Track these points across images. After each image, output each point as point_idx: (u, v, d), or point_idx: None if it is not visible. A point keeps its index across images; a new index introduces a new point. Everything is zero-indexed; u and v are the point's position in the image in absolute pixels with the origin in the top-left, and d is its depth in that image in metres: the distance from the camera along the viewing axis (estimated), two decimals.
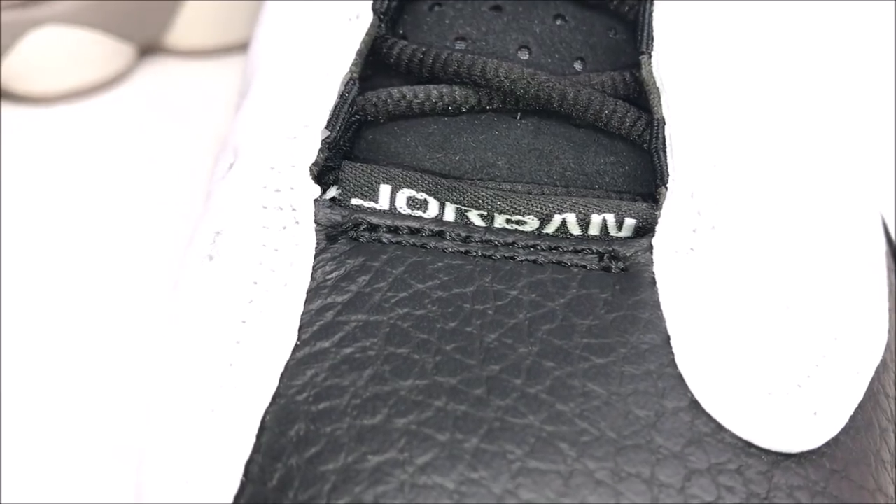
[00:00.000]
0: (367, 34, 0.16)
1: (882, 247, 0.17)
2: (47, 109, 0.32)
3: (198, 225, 0.15)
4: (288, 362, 0.13)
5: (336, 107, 0.15)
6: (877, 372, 0.14)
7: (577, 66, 0.17)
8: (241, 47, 0.35)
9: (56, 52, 0.30)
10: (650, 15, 0.16)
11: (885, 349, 0.15)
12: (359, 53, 0.16)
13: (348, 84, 0.15)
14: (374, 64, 0.16)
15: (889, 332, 0.16)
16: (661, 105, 0.15)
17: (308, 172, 0.14)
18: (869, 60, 0.33)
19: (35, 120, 0.32)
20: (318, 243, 0.14)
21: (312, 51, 0.16)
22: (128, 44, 0.32)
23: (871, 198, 0.18)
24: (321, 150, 0.14)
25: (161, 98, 0.33)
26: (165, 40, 0.33)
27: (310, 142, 0.14)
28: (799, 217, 0.15)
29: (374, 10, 0.16)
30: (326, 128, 0.15)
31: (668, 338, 0.13)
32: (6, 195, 0.29)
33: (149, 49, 0.33)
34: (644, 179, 0.15)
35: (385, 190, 0.15)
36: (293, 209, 0.14)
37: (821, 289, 0.14)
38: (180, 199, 0.30)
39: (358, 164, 0.15)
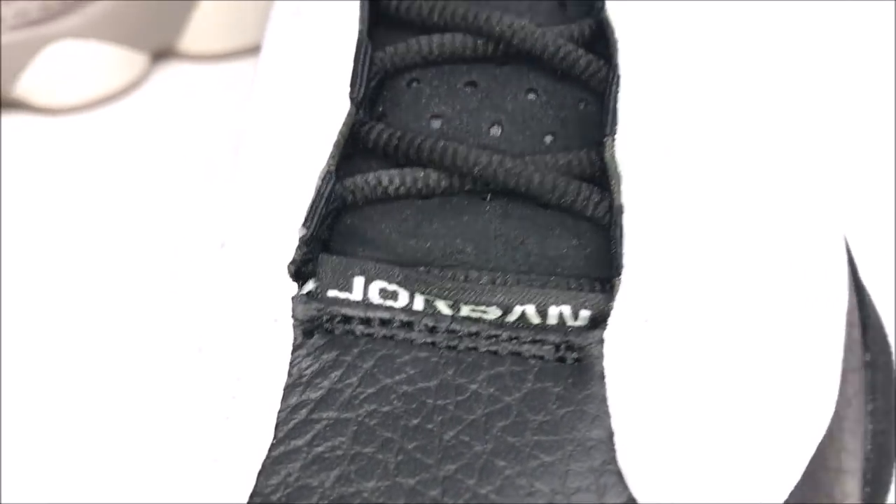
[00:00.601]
0: (344, 124, 0.17)
1: (844, 305, 0.18)
2: (64, 119, 0.33)
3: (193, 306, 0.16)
4: (265, 461, 0.14)
5: (313, 203, 0.16)
6: (819, 448, 0.15)
7: (548, 139, 0.17)
8: (253, 50, 0.35)
9: (72, 65, 0.31)
10: (615, 97, 0.17)
11: (833, 418, 0.16)
12: (336, 145, 0.16)
13: (326, 178, 0.16)
14: (354, 144, 0.17)
15: (840, 391, 0.16)
16: (620, 191, 0.16)
17: (286, 271, 0.15)
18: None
19: (51, 129, 0.33)
20: (295, 338, 0.15)
21: (292, 140, 0.17)
22: (141, 52, 0.33)
23: (837, 258, 0.18)
24: (298, 248, 0.15)
25: (175, 102, 0.34)
26: (178, 46, 0.34)
27: (287, 240, 0.15)
28: (752, 311, 0.16)
29: (351, 98, 0.17)
30: (304, 225, 0.16)
31: (612, 434, 0.14)
32: (25, 204, 0.30)
33: (162, 54, 0.34)
34: (606, 262, 0.16)
35: (359, 282, 0.16)
36: (272, 306, 0.15)
37: (768, 387, 0.15)
38: (197, 199, 0.31)
39: (334, 258, 0.16)
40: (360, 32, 0.17)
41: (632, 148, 0.16)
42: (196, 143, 0.33)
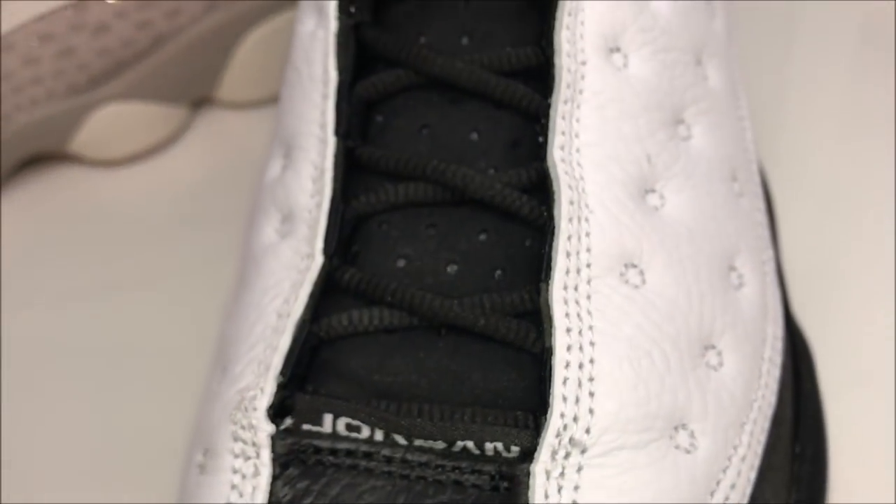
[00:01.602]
0: (318, 276, 0.19)
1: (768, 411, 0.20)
2: (113, 171, 0.36)
3: (198, 423, 0.19)
4: None
5: (290, 352, 0.19)
6: None
7: (498, 274, 0.20)
8: None
9: (118, 125, 0.34)
10: (551, 245, 0.19)
11: None
12: (311, 296, 0.19)
13: (301, 326, 0.19)
14: (330, 283, 0.20)
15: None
16: (551, 334, 0.18)
17: (265, 414, 0.18)
18: None
19: (102, 179, 0.36)
20: (274, 470, 0.18)
21: (270, 287, 0.20)
22: (180, 106, 0.36)
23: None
24: (277, 392, 0.18)
25: (215, 148, 0.37)
26: (215, 95, 0.37)
27: (267, 384, 0.18)
28: (672, 444, 0.18)
29: (325, 252, 0.20)
30: (281, 373, 0.18)
31: None
32: (77, 252, 0.33)
33: (201, 102, 0.37)
34: (541, 390, 0.19)
35: (328, 418, 0.18)
36: (254, 444, 0.18)
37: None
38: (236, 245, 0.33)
39: (307, 398, 0.19)
40: (335, 191, 0.20)
41: (559, 298, 0.18)
42: (234, 189, 0.35)
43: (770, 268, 0.23)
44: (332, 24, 0.21)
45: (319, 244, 0.19)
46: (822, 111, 0.35)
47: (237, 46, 0.35)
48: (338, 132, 0.20)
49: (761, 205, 0.24)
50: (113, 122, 0.34)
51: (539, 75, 0.21)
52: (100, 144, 0.34)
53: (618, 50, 0.21)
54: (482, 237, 0.20)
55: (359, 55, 0.22)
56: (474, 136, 0.21)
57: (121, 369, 0.29)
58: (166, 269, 0.32)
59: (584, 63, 0.21)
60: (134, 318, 0.30)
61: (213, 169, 0.36)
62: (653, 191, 0.21)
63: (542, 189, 0.20)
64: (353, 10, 0.21)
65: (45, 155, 0.35)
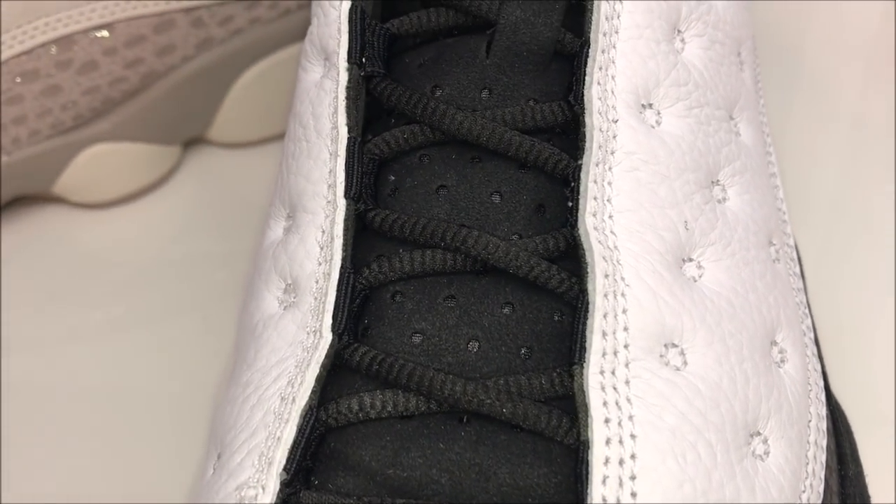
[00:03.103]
0: (326, 356, 0.17)
1: None
2: (98, 211, 0.33)
3: None
4: None
5: (294, 444, 0.16)
6: None
7: (524, 352, 0.17)
8: (282, 135, 0.35)
9: (106, 166, 0.32)
10: (583, 323, 0.17)
11: None
12: (318, 379, 0.17)
13: (307, 415, 0.17)
14: (338, 361, 0.18)
15: None
16: (588, 425, 0.16)
17: None
18: None
19: (87, 220, 0.33)
20: None
21: (273, 366, 0.17)
22: (171, 146, 0.33)
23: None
24: (280, 490, 0.16)
25: (207, 187, 0.35)
26: (207, 135, 0.34)
27: (269, 481, 0.16)
28: None
29: (333, 330, 0.17)
30: (284, 469, 0.16)
31: None
32: (63, 294, 0.31)
33: (193, 141, 0.35)
34: (576, 488, 0.16)
35: None
36: None
37: None
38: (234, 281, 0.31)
39: (314, 494, 0.16)
40: (344, 260, 0.18)
41: (596, 385, 0.16)
42: (226, 230, 0.33)
43: (809, 338, 0.21)
44: (342, 77, 0.19)
45: (328, 320, 0.17)
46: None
47: (231, 85, 0.33)
48: (348, 194, 0.18)
49: (796, 267, 0.22)
50: (100, 164, 0.32)
51: (565, 131, 0.19)
52: (86, 186, 0.32)
53: (650, 106, 0.19)
54: (506, 311, 0.18)
55: (370, 105, 0.20)
56: (496, 198, 0.19)
57: (108, 413, 0.27)
58: (156, 312, 0.30)
59: (615, 121, 0.18)
60: (123, 360, 0.29)
61: (205, 209, 0.34)
62: (690, 259, 0.18)
63: (571, 257, 0.18)
64: (364, 60, 0.19)
65: (29, 196, 0.33)
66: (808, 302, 0.22)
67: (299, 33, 0.34)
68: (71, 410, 0.28)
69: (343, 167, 0.18)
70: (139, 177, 0.33)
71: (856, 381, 0.25)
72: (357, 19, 0.19)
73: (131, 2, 0.30)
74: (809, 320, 0.21)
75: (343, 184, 0.18)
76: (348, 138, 0.19)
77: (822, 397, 0.20)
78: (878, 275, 0.29)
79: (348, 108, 0.19)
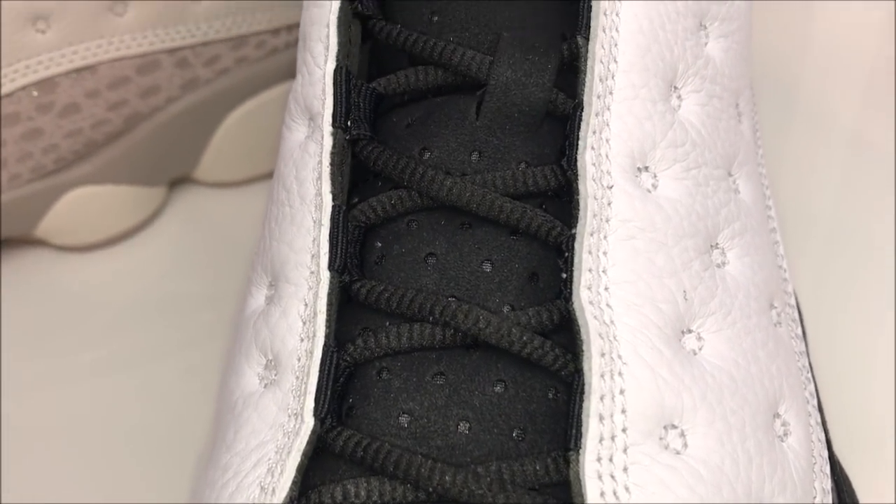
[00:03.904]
0: (308, 443, 0.16)
1: None
2: (82, 253, 0.32)
3: None
4: None
5: None
6: None
7: (517, 434, 0.16)
8: (269, 175, 0.34)
9: (89, 209, 0.31)
10: (579, 406, 0.16)
11: None
12: (299, 468, 0.16)
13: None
14: (321, 446, 0.17)
15: None
16: None
17: None
18: None
19: (72, 262, 0.32)
20: None
21: (252, 450, 0.16)
22: (156, 187, 0.32)
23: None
24: None
25: (192, 227, 0.34)
26: (193, 175, 0.33)
27: None
28: None
29: (316, 414, 0.16)
30: None
31: None
32: (46, 339, 0.30)
33: (179, 181, 0.34)
34: None
35: None
36: None
37: None
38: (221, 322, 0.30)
39: None
40: (328, 338, 0.17)
41: (598, 464, 0.15)
42: (212, 270, 0.32)
43: (813, 405, 0.20)
44: (327, 142, 0.18)
45: (310, 403, 0.16)
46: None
47: (218, 126, 0.32)
48: (332, 266, 0.17)
49: (798, 328, 0.21)
50: (83, 206, 0.31)
51: (558, 194, 0.18)
52: (69, 229, 0.31)
53: (646, 169, 0.18)
54: (498, 388, 0.17)
55: (356, 166, 0.19)
56: (487, 266, 0.18)
57: (93, 455, 0.27)
58: (141, 354, 0.29)
59: (610, 187, 0.17)
60: (107, 403, 0.28)
61: (191, 250, 0.33)
62: (689, 331, 0.17)
63: (565, 329, 0.17)
64: (349, 123, 0.18)
65: (10, 239, 0.32)
66: (810, 364, 0.21)
67: (287, 72, 0.33)
68: (54, 452, 0.27)
69: (327, 238, 0.17)
70: (123, 219, 0.32)
71: (854, 404, 0.24)
72: (342, 81, 0.18)
73: (114, 43, 0.29)
74: (812, 385, 0.20)
75: (327, 255, 0.17)
76: (332, 207, 0.18)
77: (827, 469, 0.19)
78: (878, 301, 0.29)
79: (333, 174, 0.18)
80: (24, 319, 0.30)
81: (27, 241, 0.32)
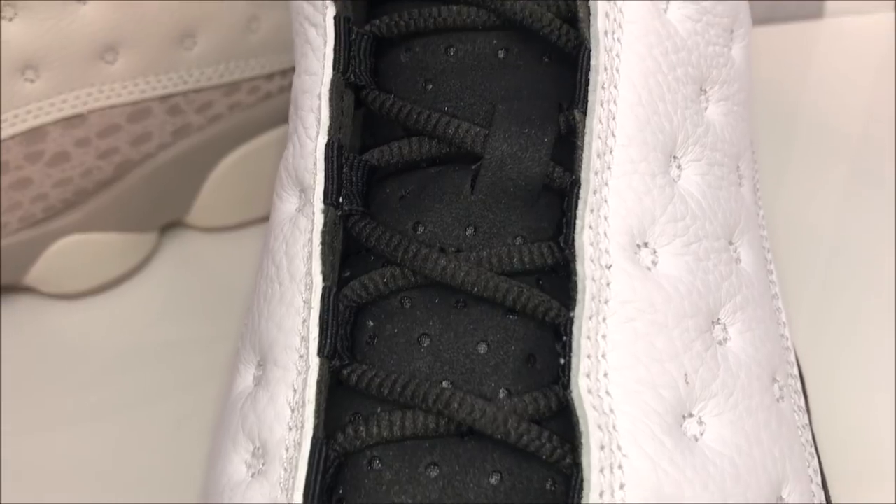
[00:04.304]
0: None
1: None
2: (73, 300, 0.32)
3: None
4: None
5: None
6: None
7: None
8: (262, 219, 0.34)
9: (78, 257, 0.30)
10: (578, 498, 0.15)
11: None
12: None
13: None
14: None
15: None
16: None
17: None
18: None
19: (63, 309, 0.32)
20: None
21: None
22: (148, 233, 0.32)
23: None
24: None
25: (183, 273, 0.33)
26: (185, 220, 0.33)
27: None
28: None
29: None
30: None
31: None
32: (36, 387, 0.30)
33: (170, 225, 0.33)
34: None
35: None
36: None
37: None
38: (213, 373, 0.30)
39: None
40: (317, 428, 0.16)
41: None
42: (204, 315, 0.32)
43: (817, 483, 0.19)
44: (318, 220, 0.17)
45: (298, 498, 0.15)
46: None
47: (210, 172, 0.31)
48: (321, 352, 0.16)
49: (801, 400, 0.20)
50: (72, 254, 0.30)
51: (556, 269, 0.18)
52: (59, 277, 0.30)
53: (646, 245, 0.18)
54: (494, 480, 0.16)
55: (348, 239, 0.18)
56: (483, 348, 0.17)
57: (87, 501, 0.26)
58: (132, 400, 0.29)
59: (609, 267, 0.17)
60: (98, 449, 0.28)
61: (183, 294, 0.32)
62: (691, 415, 0.17)
63: (563, 417, 0.16)
64: (341, 199, 0.18)
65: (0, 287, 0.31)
66: (813, 437, 0.20)
67: (281, 117, 0.32)
68: (44, 499, 0.26)
69: (317, 321, 0.17)
70: (114, 266, 0.31)
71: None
72: (334, 156, 0.18)
73: (104, 91, 0.28)
74: (816, 461, 0.20)
75: (317, 340, 0.17)
76: (323, 288, 0.17)
77: None
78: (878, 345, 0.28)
79: (323, 253, 0.17)
80: (16, 367, 0.30)
81: (16, 289, 0.31)
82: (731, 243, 0.20)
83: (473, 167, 0.18)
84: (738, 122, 0.21)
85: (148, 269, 0.33)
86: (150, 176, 0.30)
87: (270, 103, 0.31)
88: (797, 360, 0.22)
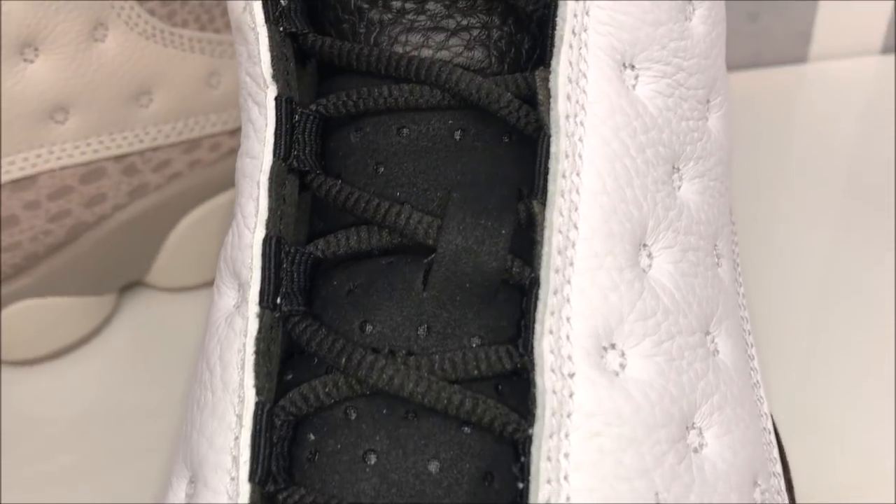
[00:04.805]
0: None
1: None
2: (29, 368, 0.30)
3: None
4: None
5: None
6: None
7: None
8: None
9: (31, 323, 0.28)
10: None
11: None
12: None
13: None
14: None
15: None
16: None
17: None
18: None
19: (19, 375, 0.30)
20: None
21: None
22: (106, 296, 0.30)
23: None
24: None
25: (143, 334, 0.32)
26: (144, 280, 0.31)
27: None
28: None
29: None
30: None
31: None
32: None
33: (130, 285, 0.32)
34: None
35: None
36: None
37: None
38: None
39: None
40: None
41: None
42: (167, 374, 0.30)
43: None
44: (252, 326, 0.16)
45: None
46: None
47: (169, 232, 0.30)
48: (253, 478, 0.15)
49: (784, 497, 0.19)
50: (24, 321, 0.28)
51: (517, 373, 0.16)
52: (11, 344, 0.29)
53: (613, 347, 0.16)
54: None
55: (290, 339, 0.17)
56: (434, 466, 0.15)
57: None
58: (94, 464, 0.28)
59: (571, 375, 0.15)
60: None
61: (142, 356, 0.31)
62: None
63: None
64: (279, 300, 0.16)
65: None
66: None
67: None
68: None
69: (248, 444, 0.15)
70: (71, 330, 0.29)
71: None
72: (271, 253, 0.16)
73: (55, 152, 0.27)
74: None
75: (248, 464, 0.15)
76: (256, 404, 0.15)
77: None
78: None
79: (257, 364, 0.16)
80: None
81: None
82: (707, 333, 0.18)
83: (425, 261, 0.16)
84: (716, 198, 0.20)
85: (107, 330, 0.31)
86: (106, 238, 0.29)
87: (233, 160, 0.30)
88: (775, 428, 0.20)
